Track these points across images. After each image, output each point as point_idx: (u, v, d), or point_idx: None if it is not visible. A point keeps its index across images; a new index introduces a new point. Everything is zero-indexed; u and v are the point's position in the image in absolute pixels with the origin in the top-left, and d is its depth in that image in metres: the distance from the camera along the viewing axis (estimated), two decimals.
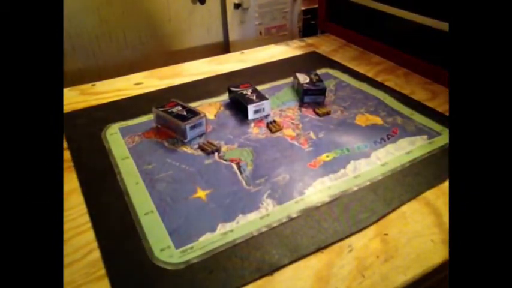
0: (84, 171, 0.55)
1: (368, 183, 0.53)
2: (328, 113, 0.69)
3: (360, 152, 0.59)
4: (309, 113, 0.69)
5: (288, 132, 0.64)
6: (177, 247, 0.44)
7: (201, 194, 0.51)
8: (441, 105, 0.71)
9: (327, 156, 0.58)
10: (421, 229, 0.46)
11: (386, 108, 0.70)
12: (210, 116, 0.68)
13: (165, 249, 0.44)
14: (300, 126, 0.65)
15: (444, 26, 0.75)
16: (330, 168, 0.56)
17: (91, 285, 0.40)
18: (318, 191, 0.51)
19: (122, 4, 0.92)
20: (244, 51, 0.96)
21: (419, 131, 0.64)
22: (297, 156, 0.58)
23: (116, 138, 0.62)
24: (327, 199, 0.50)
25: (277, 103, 0.72)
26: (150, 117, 0.67)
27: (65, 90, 0.77)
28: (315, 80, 0.73)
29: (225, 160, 0.57)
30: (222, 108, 0.71)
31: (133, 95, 0.76)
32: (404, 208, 0.49)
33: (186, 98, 0.71)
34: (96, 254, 0.43)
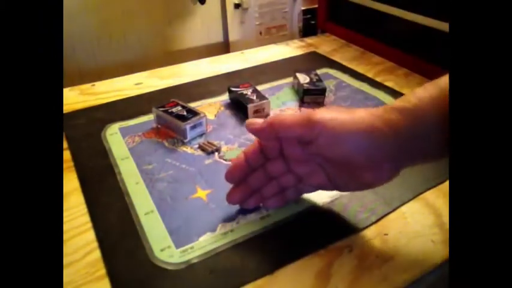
0: (84, 171, 0.55)
1: None
2: None
3: None
4: None
5: None
6: (177, 247, 0.44)
7: (201, 193, 0.51)
8: None
9: None
10: (421, 229, 0.46)
11: None
12: (210, 116, 0.68)
13: (165, 249, 0.44)
14: None
15: (444, 26, 0.75)
16: None
17: (91, 285, 0.40)
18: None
19: (122, 4, 0.92)
20: (244, 51, 0.96)
21: None
22: None
23: (116, 138, 0.62)
24: (327, 199, 0.50)
25: (277, 103, 0.72)
26: (150, 117, 0.67)
27: (65, 90, 0.77)
28: (315, 80, 0.73)
29: (225, 160, 0.57)
30: (222, 108, 0.71)
31: (133, 95, 0.76)
32: (404, 208, 0.49)
33: (186, 98, 0.71)
34: (96, 254, 0.43)
